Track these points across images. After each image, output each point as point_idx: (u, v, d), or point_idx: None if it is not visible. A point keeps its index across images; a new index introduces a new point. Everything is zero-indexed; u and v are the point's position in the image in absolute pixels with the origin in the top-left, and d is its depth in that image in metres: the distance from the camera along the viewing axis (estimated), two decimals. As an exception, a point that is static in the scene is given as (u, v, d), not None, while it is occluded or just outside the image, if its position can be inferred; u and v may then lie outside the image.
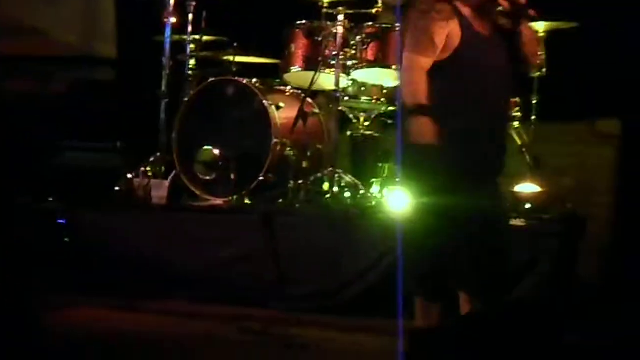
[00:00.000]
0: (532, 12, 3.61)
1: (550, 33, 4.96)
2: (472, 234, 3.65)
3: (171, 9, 5.18)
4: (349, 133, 5.12)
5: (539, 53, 3.86)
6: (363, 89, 4.96)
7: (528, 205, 4.80)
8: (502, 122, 3.84)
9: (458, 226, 3.65)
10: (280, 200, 4.84)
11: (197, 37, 5.32)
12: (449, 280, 3.76)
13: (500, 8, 3.63)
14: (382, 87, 4.96)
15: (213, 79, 5.10)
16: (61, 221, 4.79)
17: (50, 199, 4.93)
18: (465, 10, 3.58)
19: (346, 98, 4.99)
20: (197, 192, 4.97)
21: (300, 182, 4.83)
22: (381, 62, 4.84)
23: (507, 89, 3.75)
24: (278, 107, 4.90)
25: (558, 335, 3.80)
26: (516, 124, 4.95)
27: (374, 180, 4.92)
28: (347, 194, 4.83)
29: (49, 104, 6.02)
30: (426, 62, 3.61)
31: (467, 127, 3.61)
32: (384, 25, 4.92)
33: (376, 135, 5.13)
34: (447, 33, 3.57)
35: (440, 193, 3.59)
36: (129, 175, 5.10)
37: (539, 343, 3.45)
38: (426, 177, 3.63)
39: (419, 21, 3.66)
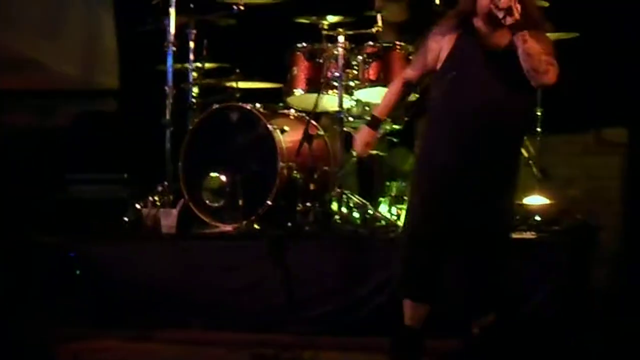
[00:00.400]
0: (509, 20, 3.61)
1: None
2: (465, 245, 3.71)
3: (172, 37, 5.22)
4: (354, 153, 5.15)
5: (546, 69, 3.66)
6: (367, 108, 5.02)
7: (537, 218, 4.81)
8: (500, 136, 3.72)
9: (447, 234, 3.69)
10: (289, 224, 4.86)
11: (199, 64, 5.36)
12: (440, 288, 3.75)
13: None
14: (385, 107, 5.11)
15: (217, 105, 5.10)
16: (71, 254, 4.81)
17: (59, 233, 4.95)
18: (475, 25, 3.66)
19: (350, 118, 5.07)
20: (206, 220, 4.98)
21: (308, 204, 4.88)
22: (383, 81, 4.88)
23: (510, 103, 3.67)
24: (283, 131, 4.94)
25: (575, 345, 3.84)
26: None
27: (381, 199, 4.99)
28: (356, 214, 4.88)
29: (53, 137, 6.10)
30: (411, 74, 3.86)
31: (457, 138, 3.68)
32: (384, 45, 4.98)
33: (382, 154, 5.19)
34: (440, 46, 3.70)
35: (432, 200, 3.66)
36: (137, 206, 5.13)
37: (556, 354, 3.50)
38: (422, 184, 3.73)
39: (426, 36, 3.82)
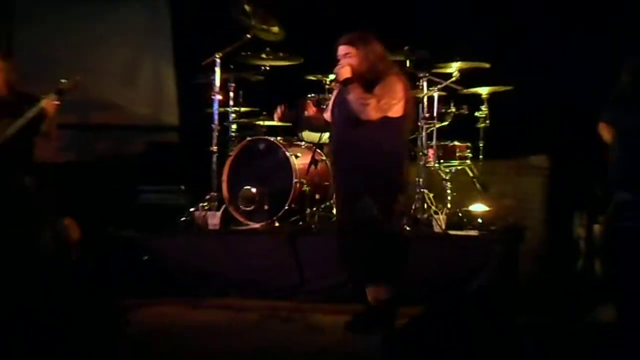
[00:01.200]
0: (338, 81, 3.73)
1: (492, 94, 5.11)
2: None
3: (217, 88, 5.19)
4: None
5: (361, 110, 3.61)
6: None
7: (480, 220, 4.87)
8: (353, 158, 3.73)
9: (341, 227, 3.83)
10: (301, 223, 4.90)
11: (236, 108, 5.38)
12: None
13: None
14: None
15: (249, 138, 5.14)
16: (142, 244, 4.87)
17: (134, 229, 4.99)
18: None
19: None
20: (241, 220, 5.02)
21: (315, 209, 4.91)
22: None
23: (357, 135, 3.68)
24: (296, 157, 4.98)
25: (507, 317, 3.92)
26: (468, 161, 5.06)
27: None
28: None
29: (130, 159, 6.15)
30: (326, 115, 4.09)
31: (334, 159, 3.88)
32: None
33: None
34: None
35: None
36: (191, 209, 5.14)
37: (492, 321, 3.56)
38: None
39: None
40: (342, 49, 3.73)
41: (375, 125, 3.67)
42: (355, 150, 3.74)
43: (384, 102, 3.66)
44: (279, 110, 4.06)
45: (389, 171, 3.73)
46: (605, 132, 2.83)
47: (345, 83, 3.68)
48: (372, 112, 3.63)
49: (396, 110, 3.71)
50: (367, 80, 3.68)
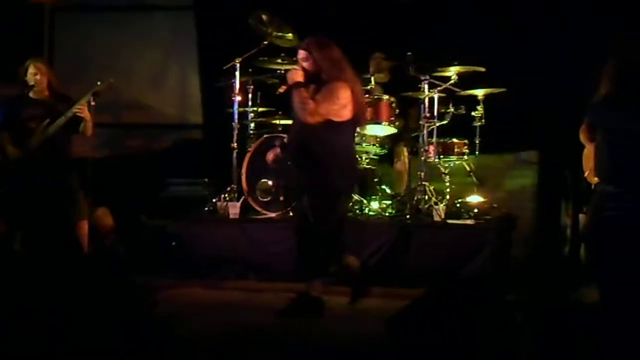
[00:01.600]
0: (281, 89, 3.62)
1: (487, 96, 5.10)
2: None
3: (237, 90, 5.19)
4: (355, 166, 5.27)
5: (299, 113, 3.49)
6: (364, 137, 5.05)
7: (476, 210, 4.88)
8: (301, 146, 3.60)
9: None
10: None
11: (254, 108, 5.38)
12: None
13: None
14: (376, 137, 5.08)
15: (266, 135, 5.10)
16: (170, 231, 4.89)
17: (162, 218, 5.01)
18: None
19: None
20: (258, 209, 5.02)
21: None
22: (374, 120, 4.93)
23: (308, 130, 3.56)
24: None
25: (500, 295, 3.92)
26: (466, 157, 5.05)
27: (372, 197, 5.05)
28: (356, 208, 4.93)
29: (159, 155, 6.18)
30: None
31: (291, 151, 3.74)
32: (375, 97, 4.98)
33: (373, 167, 5.23)
34: None
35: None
36: (214, 200, 5.16)
37: (488, 301, 3.57)
38: None
39: None
40: (299, 53, 3.60)
41: (319, 128, 3.53)
42: (300, 150, 3.64)
43: (323, 107, 3.50)
44: (274, 154, 3.95)
45: (328, 172, 3.58)
46: (584, 137, 2.81)
47: (296, 86, 3.55)
48: (308, 117, 3.49)
49: (342, 114, 3.54)
50: (318, 84, 3.55)
